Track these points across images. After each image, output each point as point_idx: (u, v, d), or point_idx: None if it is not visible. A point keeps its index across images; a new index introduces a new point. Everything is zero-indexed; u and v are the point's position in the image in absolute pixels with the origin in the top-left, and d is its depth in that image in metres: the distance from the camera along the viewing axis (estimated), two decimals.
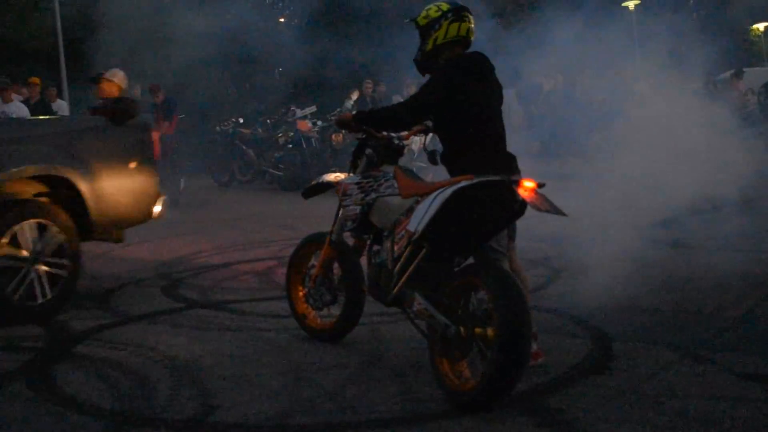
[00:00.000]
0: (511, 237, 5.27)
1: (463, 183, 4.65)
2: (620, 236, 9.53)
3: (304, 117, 17.67)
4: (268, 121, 18.91)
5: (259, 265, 8.87)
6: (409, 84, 17.78)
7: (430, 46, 5.10)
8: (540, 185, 4.70)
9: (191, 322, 6.59)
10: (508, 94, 20.68)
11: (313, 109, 18.55)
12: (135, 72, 20.17)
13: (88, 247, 10.21)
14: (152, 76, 19.27)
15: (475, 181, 4.66)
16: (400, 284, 5.00)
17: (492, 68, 5.12)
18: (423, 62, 5.21)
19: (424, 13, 5.12)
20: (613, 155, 18.48)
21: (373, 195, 5.33)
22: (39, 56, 20.91)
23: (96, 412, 4.63)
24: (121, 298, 7.54)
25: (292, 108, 18.54)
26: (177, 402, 4.74)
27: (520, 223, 10.45)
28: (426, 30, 5.09)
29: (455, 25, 5.05)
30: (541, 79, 20.75)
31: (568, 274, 7.80)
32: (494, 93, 5.11)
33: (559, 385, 4.83)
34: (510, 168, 5.04)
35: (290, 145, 16.85)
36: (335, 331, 5.83)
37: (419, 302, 4.85)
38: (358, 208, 5.39)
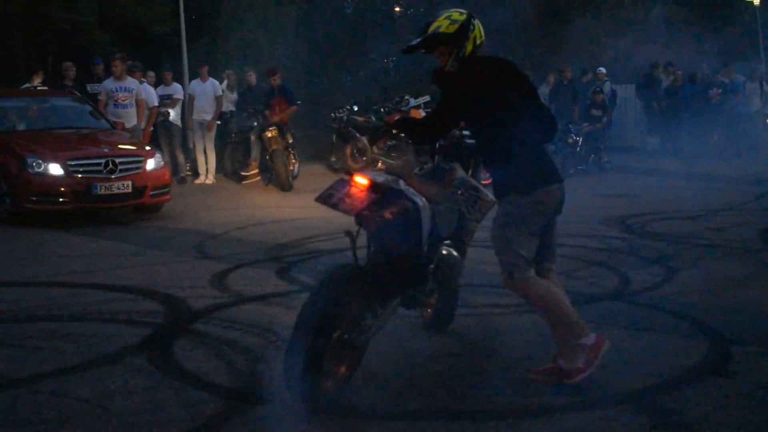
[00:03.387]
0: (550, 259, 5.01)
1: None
2: (741, 237, 9.30)
3: (418, 106, 17.66)
4: (382, 109, 18.98)
5: None
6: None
7: (470, 48, 4.91)
8: (376, 183, 4.66)
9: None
10: (628, 90, 20.34)
11: (427, 98, 18.52)
12: (251, 59, 20.59)
13: (205, 229, 10.50)
14: (267, 62, 19.60)
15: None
16: None
17: (516, 68, 4.99)
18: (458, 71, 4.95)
19: (445, 22, 4.90)
20: (737, 153, 18.01)
21: None
22: (163, 40, 21.43)
23: (213, 389, 4.75)
24: (236, 278, 7.69)
25: (406, 97, 18.56)
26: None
27: (637, 219, 10.23)
28: (460, 34, 4.88)
29: (480, 25, 4.97)
30: (660, 74, 20.29)
31: (685, 273, 7.61)
32: (523, 93, 4.90)
33: (676, 387, 4.73)
34: (559, 173, 4.95)
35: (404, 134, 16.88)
36: (433, 320, 5.87)
37: None
38: None
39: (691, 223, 10.39)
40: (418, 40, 4.97)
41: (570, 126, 16.68)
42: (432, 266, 5.12)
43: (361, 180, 4.66)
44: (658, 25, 22.54)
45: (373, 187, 4.69)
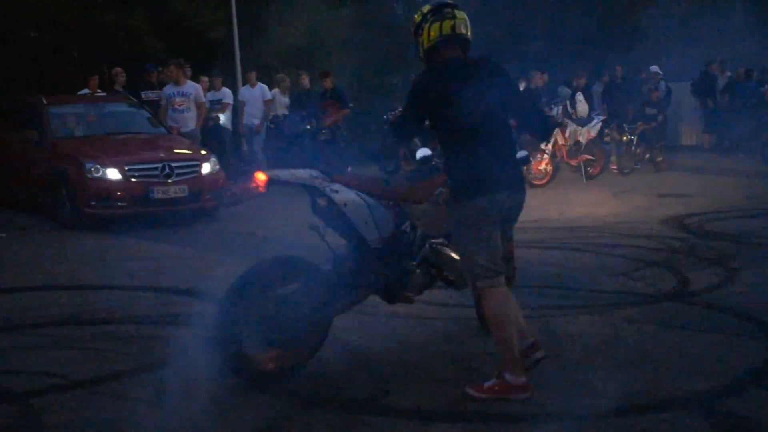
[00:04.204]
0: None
1: None
2: None
3: None
4: None
5: None
6: (581, 75, 17.58)
7: (421, 54, 4.84)
8: (277, 180, 4.93)
9: (360, 307, 6.65)
10: (683, 87, 19.94)
11: None
12: (303, 62, 20.70)
13: (262, 231, 10.56)
14: (319, 66, 19.69)
15: None
16: None
17: (484, 71, 4.73)
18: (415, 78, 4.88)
19: (412, 21, 4.88)
20: None
21: None
22: (216, 46, 21.60)
23: (273, 391, 4.78)
24: None
25: None
26: (351, 384, 4.85)
27: (695, 219, 10.06)
28: (415, 38, 4.84)
29: (436, 25, 4.73)
30: (716, 71, 20.00)
31: (746, 273, 7.48)
32: (487, 98, 4.64)
33: (739, 389, 4.65)
34: (516, 182, 4.78)
35: None
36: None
37: None
38: None
39: (750, 222, 10.23)
40: None
41: (624, 125, 16.52)
42: (415, 263, 5.20)
43: (259, 176, 4.83)
44: (714, 20, 22.20)
45: (272, 182, 4.93)
